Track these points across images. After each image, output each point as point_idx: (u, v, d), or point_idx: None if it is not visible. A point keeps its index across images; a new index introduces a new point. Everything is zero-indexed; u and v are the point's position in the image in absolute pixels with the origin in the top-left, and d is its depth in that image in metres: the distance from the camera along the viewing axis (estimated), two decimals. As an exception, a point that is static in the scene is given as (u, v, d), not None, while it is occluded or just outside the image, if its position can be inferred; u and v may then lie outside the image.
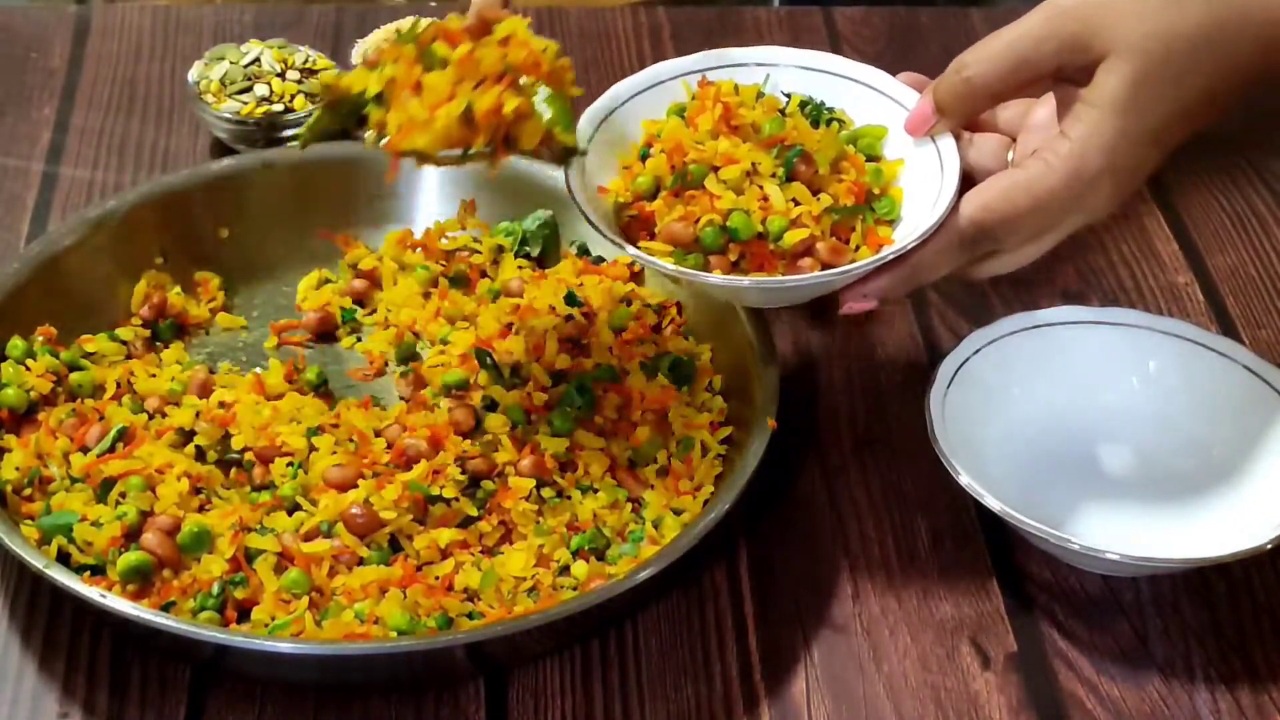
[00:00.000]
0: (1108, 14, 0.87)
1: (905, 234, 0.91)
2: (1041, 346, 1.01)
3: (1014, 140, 0.95)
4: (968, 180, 0.91)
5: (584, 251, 1.10)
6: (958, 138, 0.93)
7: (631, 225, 0.94)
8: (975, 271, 0.93)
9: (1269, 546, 0.89)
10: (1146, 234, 1.21)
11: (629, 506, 0.96)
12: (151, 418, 0.98)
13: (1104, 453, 1.00)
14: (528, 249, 1.11)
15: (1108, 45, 0.87)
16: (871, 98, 0.98)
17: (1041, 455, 0.99)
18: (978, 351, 0.99)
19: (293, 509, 0.93)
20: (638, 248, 0.91)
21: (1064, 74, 0.90)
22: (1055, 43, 0.88)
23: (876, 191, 0.94)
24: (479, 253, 1.10)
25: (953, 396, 0.96)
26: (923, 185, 0.93)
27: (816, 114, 0.97)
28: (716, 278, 0.90)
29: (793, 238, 0.91)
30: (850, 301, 0.92)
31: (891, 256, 0.89)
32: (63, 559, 0.89)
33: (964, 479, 0.91)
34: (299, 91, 1.22)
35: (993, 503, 0.90)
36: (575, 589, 0.91)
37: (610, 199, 0.94)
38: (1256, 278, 1.17)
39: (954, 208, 0.89)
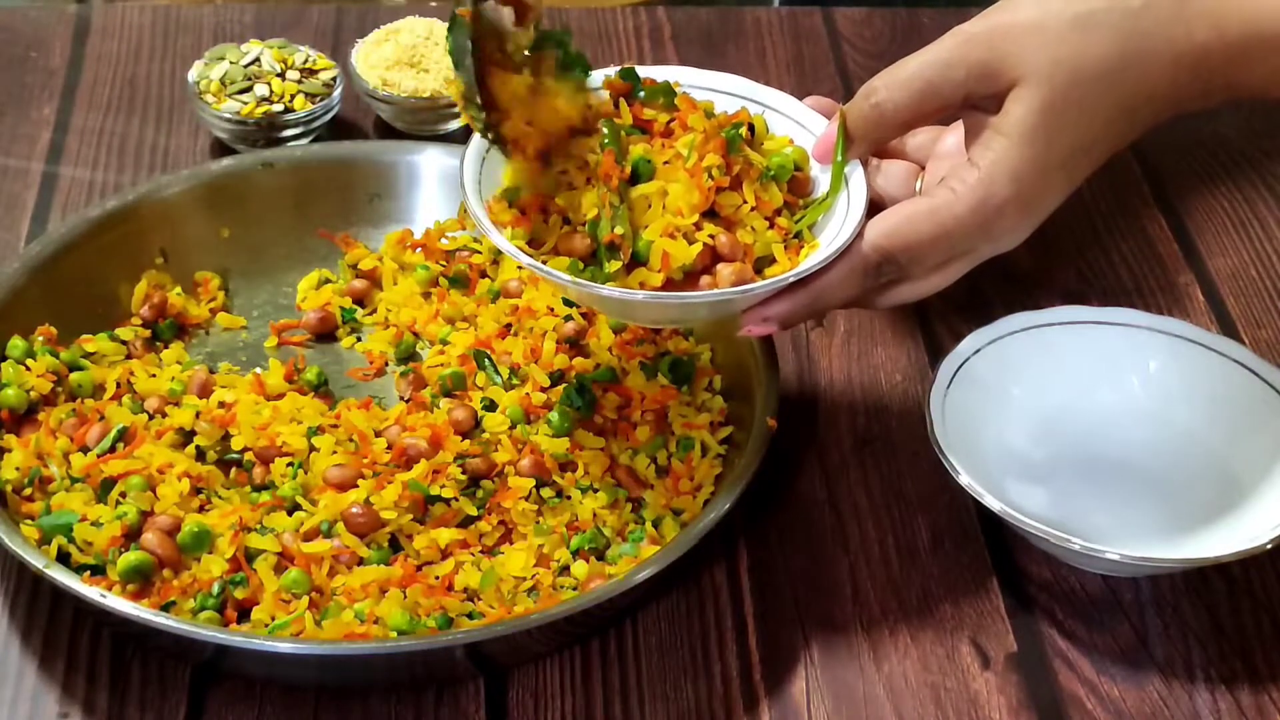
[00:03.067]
0: (1016, 41, 0.86)
1: (811, 259, 0.89)
2: (1041, 346, 1.01)
3: (923, 168, 0.94)
4: (875, 207, 0.90)
5: None
6: (865, 164, 0.92)
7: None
8: (879, 299, 0.92)
9: (1269, 546, 0.89)
10: (1147, 234, 1.21)
11: (629, 506, 0.96)
12: (151, 418, 0.98)
13: (1104, 453, 1.00)
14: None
15: (1016, 73, 0.86)
16: (779, 122, 0.95)
17: (1041, 455, 0.99)
18: (978, 351, 0.99)
19: (293, 509, 0.93)
20: (533, 258, 0.89)
21: (973, 101, 0.88)
22: (964, 69, 0.87)
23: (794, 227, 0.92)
24: (479, 253, 1.10)
25: (953, 396, 0.96)
26: (829, 211, 0.91)
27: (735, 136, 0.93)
28: (610, 290, 0.87)
29: (689, 253, 0.88)
30: (750, 324, 0.89)
31: (792, 280, 0.87)
32: (63, 559, 0.89)
33: (964, 479, 0.91)
34: (299, 91, 1.22)
35: (993, 502, 0.90)
36: (575, 589, 0.91)
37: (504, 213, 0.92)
38: (1257, 279, 1.17)
39: (859, 234, 0.88)
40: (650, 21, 1.41)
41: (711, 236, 0.89)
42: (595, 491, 0.96)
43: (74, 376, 1.00)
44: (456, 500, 0.94)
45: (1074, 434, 1.00)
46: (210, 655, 0.88)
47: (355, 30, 1.33)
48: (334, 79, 1.24)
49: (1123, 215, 1.22)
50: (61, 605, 0.91)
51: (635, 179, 0.90)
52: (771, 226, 0.91)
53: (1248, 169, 1.27)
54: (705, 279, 0.89)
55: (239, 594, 0.88)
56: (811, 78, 1.35)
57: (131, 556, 0.88)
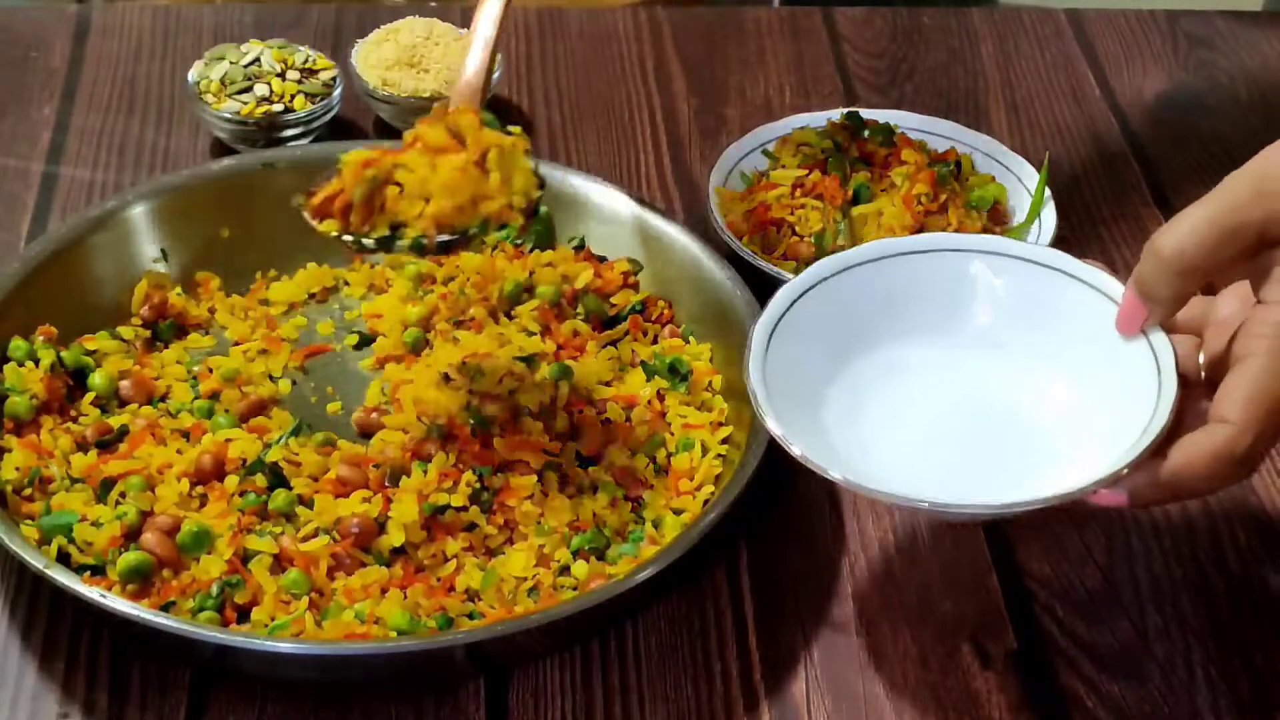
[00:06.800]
0: None
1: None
2: (877, 282, 0.90)
3: (1200, 338, 0.87)
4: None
5: (580, 246, 1.10)
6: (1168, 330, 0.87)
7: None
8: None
9: (1124, 470, 0.80)
10: (1146, 234, 1.20)
11: (629, 506, 0.96)
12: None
13: (950, 392, 0.90)
14: (520, 243, 1.10)
15: None
16: (983, 161, 1.14)
17: (876, 400, 0.89)
18: (804, 293, 0.89)
19: (290, 518, 0.93)
20: None
21: (1269, 240, 0.83)
22: (1261, 211, 0.82)
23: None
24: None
25: (775, 357, 0.86)
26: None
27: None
28: None
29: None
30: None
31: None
32: (63, 559, 0.89)
33: (771, 423, 0.82)
34: (299, 91, 1.22)
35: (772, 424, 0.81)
36: (575, 589, 0.91)
37: None
38: (1257, 277, 1.16)
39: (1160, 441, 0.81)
40: (650, 21, 1.41)
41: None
42: (595, 491, 0.96)
43: (91, 377, 0.99)
44: (466, 509, 0.93)
45: (914, 375, 0.90)
46: (210, 656, 0.88)
47: (355, 30, 1.34)
48: (334, 79, 1.24)
49: (1123, 215, 1.22)
50: (61, 605, 0.91)
51: (857, 200, 1.09)
52: None
53: (1247, 168, 1.27)
54: None
55: (238, 595, 0.88)
56: (811, 78, 1.35)
57: (131, 557, 0.88)
